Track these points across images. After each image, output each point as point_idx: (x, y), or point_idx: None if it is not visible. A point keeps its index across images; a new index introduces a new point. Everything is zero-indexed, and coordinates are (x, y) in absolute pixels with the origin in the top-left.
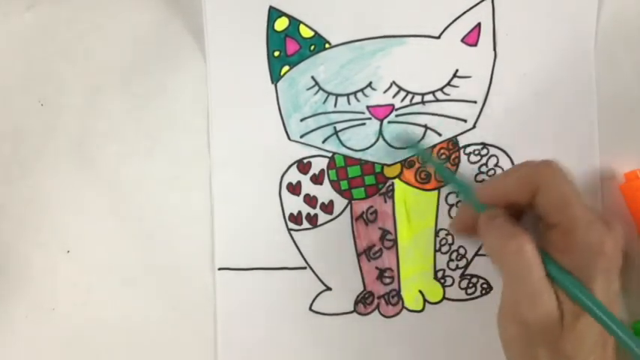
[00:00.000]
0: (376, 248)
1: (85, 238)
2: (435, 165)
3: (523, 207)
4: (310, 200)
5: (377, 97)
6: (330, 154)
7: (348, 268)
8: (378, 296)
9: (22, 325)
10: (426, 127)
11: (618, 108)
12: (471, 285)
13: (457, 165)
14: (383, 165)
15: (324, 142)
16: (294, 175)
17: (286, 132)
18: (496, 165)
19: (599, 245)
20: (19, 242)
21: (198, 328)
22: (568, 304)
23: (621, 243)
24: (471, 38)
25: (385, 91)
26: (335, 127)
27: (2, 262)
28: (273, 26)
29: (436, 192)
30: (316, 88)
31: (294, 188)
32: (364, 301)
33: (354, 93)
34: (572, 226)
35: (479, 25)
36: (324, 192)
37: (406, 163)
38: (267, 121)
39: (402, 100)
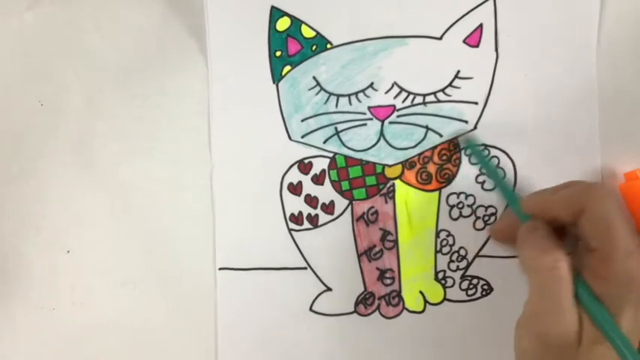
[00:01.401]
0: (377, 249)
1: (85, 238)
2: (488, 170)
3: (566, 225)
4: (311, 200)
5: (378, 98)
6: (331, 155)
7: (348, 268)
8: (379, 297)
9: (22, 325)
10: (427, 127)
11: (618, 108)
12: (471, 286)
13: (458, 166)
14: (384, 166)
15: (325, 142)
16: (295, 176)
17: (287, 132)
18: (497, 166)
19: (635, 276)
20: (19, 242)
21: (198, 328)
22: (589, 329)
23: None
24: (473, 39)
25: (387, 92)
26: (336, 128)
27: (2, 262)
28: (274, 26)
29: (437, 193)
30: (318, 88)
31: (295, 188)
32: (365, 302)
33: (356, 93)
34: (611, 253)
35: (481, 26)
36: (325, 192)
37: (407, 164)
38: (268, 121)
39: (404, 100)
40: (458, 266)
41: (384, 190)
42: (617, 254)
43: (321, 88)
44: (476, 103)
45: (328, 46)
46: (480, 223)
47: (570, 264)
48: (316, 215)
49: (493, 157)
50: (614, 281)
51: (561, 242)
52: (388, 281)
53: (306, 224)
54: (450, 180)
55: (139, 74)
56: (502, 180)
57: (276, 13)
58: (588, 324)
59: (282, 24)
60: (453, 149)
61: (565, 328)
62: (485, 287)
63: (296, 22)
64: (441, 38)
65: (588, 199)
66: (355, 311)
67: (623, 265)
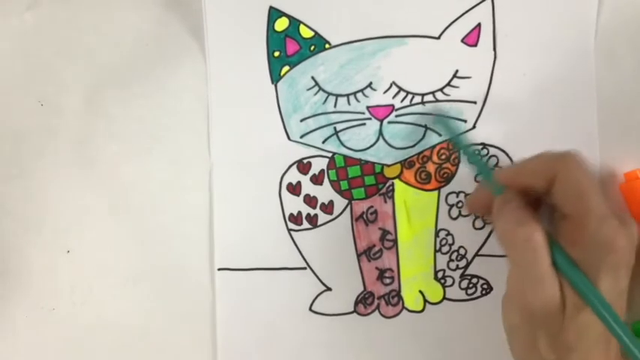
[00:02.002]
0: (376, 248)
1: (85, 238)
2: (458, 143)
3: (540, 195)
4: (310, 200)
5: (377, 98)
6: (330, 155)
7: (348, 268)
8: (378, 296)
9: (22, 325)
10: (426, 127)
11: (618, 108)
12: (471, 285)
13: (457, 165)
14: (383, 165)
15: (324, 142)
16: (294, 176)
17: (286, 132)
18: (496, 165)
19: (610, 241)
20: (19, 242)
21: (197, 328)
22: (571, 296)
23: (635, 242)
24: (471, 38)
25: (385, 92)
26: (335, 128)
27: (2, 262)
28: (273, 26)
29: (436, 192)
30: (316, 88)
31: (294, 188)
32: (364, 302)
33: (354, 93)
34: (585, 218)
35: (479, 25)
36: (324, 192)
37: (406, 164)
38: (267, 121)
39: (402, 100)
40: (457, 265)
41: (383, 190)
42: (591, 219)
43: (320, 88)
44: (474, 103)
45: (327, 46)
46: (479, 223)
47: (545, 233)
48: (315, 215)
49: (491, 156)
50: (590, 246)
51: (536, 213)
52: (388, 281)
53: (306, 224)
54: (449, 179)
55: (139, 74)
56: (474, 152)
57: (274, 14)
58: (570, 291)
59: (281, 24)
60: (452, 148)
61: (547, 297)
62: (485, 286)
63: (294, 23)
64: (439, 38)
65: (560, 166)
66: (355, 311)
67: (597, 230)
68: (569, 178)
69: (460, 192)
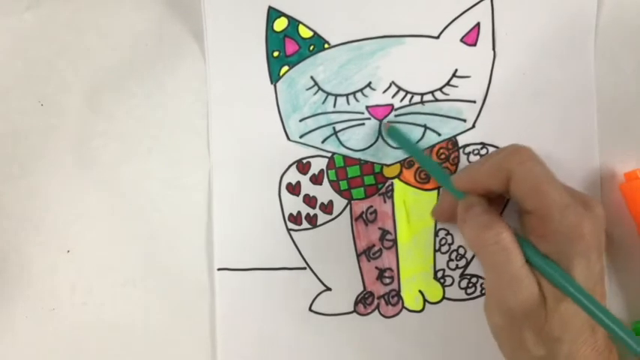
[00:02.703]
0: (376, 248)
1: (85, 238)
2: (414, 153)
3: (501, 194)
4: (310, 200)
5: (376, 97)
6: (329, 155)
7: (347, 268)
8: (378, 296)
9: (22, 325)
10: (425, 126)
11: (618, 108)
12: (470, 285)
13: (456, 165)
14: (382, 165)
15: (323, 142)
16: (293, 176)
17: (285, 132)
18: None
19: (576, 228)
20: (19, 242)
21: (197, 328)
22: (549, 289)
23: (601, 223)
24: (470, 38)
25: (384, 91)
26: (334, 128)
27: (2, 262)
28: (272, 26)
29: (435, 192)
30: (315, 88)
31: (294, 188)
32: (364, 302)
33: (354, 93)
34: (547, 211)
35: (478, 24)
36: (324, 192)
37: (405, 163)
38: (266, 121)
39: (402, 100)
40: (457, 265)
41: (383, 190)
42: (554, 210)
43: (319, 88)
44: (474, 102)
45: (326, 46)
46: None
47: (512, 233)
48: (315, 215)
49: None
50: (558, 237)
51: (499, 214)
52: (387, 280)
53: (305, 224)
54: None
55: (139, 74)
56: (430, 161)
57: (273, 14)
58: (547, 285)
59: (280, 24)
60: (451, 148)
61: (526, 296)
62: (485, 286)
63: (293, 23)
64: (438, 37)
65: (511, 164)
66: (355, 311)
67: (562, 220)
68: (523, 174)
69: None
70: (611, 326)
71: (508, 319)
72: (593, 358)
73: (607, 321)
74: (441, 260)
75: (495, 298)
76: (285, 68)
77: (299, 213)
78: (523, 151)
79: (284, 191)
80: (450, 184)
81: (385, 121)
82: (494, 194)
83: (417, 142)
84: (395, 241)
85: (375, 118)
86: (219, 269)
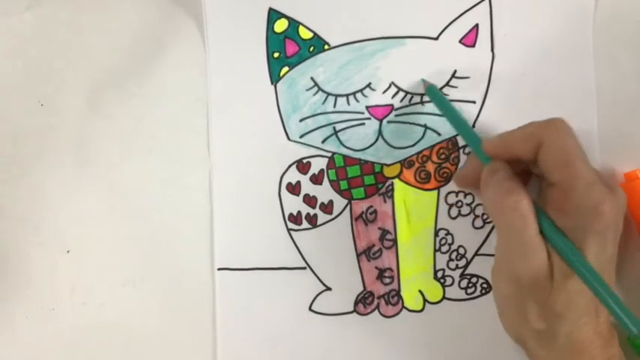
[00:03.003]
0: (376, 248)
1: (85, 238)
2: (450, 114)
3: (527, 164)
4: (310, 200)
5: (376, 97)
6: (329, 154)
7: (347, 268)
8: (378, 296)
9: (22, 325)
10: (425, 126)
11: (618, 108)
12: (470, 285)
13: (456, 165)
14: (382, 165)
15: (323, 142)
16: (293, 175)
17: (286, 132)
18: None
19: (596, 207)
20: (19, 242)
21: (197, 328)
22: (559, 263)
23: (622, 209)
24: (469, 39)
25: (384, 92)
26: (334, 127)
27: (2, 262)
28: (272, 28)
29: (436, 192)
30: (315, 88)
31: (294, 188)
32: (364, 301)
33: (354, 93)
34: (572, 184)
35: (476, 26)
36: (324, 192)
37: (406, 163)
38: (266, 121)
39: (402, 100)
40: (457, 265)
41: (383, 190)
42: (578, 185)
43: (319, 89)
44: (474, 102)
45: (326, 47)
46: (479, 222)
47: (532, 202)
48: (315, 215)
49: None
50: (577, 213)
51: (523, 183)
52: (387, 280)
53: (305, 224)
54: (448, 179)
55: (139, 74)
56: (464, 123)
57: (273, 15)
58: (558, 259)
59: (280, 25)
60: (451, 148)
61: (534, 265)
62: (485, 285)
63: (293, 24)
64: (437, 39)
65: (546, 133)
66: (355, 310)
67: (584, 196)
68: (554, 144)
69: (460, 191)
70: (616, 310)
71: (514, 287)
72: (593, 340)
73: (612, 304)
74: (441, 260)
75: (504, 265)
76: (286, 69)
77: (299, 213)
78: (559, 122)
79: (284, 191)
80: (480, 148)
81: (385, 121)
82: (521, 163)
83: (417, 142)
84: (395, 241)
85: (375, 118)
86: (219, 269)
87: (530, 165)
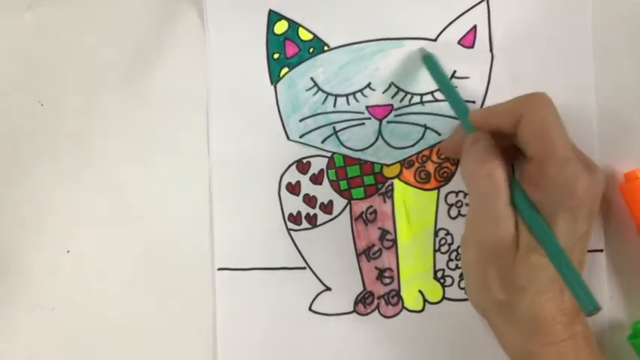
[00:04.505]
0: (376, 248)
1: (85, 238)
2: (442, 83)
3: (510, 137)
4: (310, 200)
5: (376, 98)
6: (329, 154)
7: (347, 268)
8: (378, 296)
9: (22, 325)
10: (425, 126)
11: (618, 108)
12: None
13: (456, 164)
14: (382, 165)
15: (323, 142)
16: (293, 175)
17: (285, 132)
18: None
19: (570, 184)
20: (19, 242)
21: (198, 328)
22: (526, 236)
23: (598, 189)
24: (467, 40)
25: (384, 92)
26: (334, 127)
27: (2, 262)
28: (272, 29)
29: (435, 192)
30: (315, 88)
31: (294, 188)
32: (364, 301)
33: (353, 93)
34: (548, 159)
35: (475, 27)
36: (324, 192)
37: (405, 163)
38: (266, 121)
39: (401, 100)
40: (457, 265)
41: (383, 190)
42: (554, 160)
43: (319, 89)
44: (473, 102)
45: (325, 48)
46: None
47: (507, 173)
48: (315, 215)
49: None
50: (550, 188)
51: (508, 157)
52: (387, 280)
53: (305, 224)
54: (448, 179)
55: (139, 75)
56: (455, 93)
57: (274, 17)
58: (525, 232)
59: (280, 27)
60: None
61: (500, 234)
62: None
63: (293, 26)
64: (435, 40)
65: (526, 107)
66: (354, 311)
67: (558, 172)
68: (533, 118)
69: (460, 191)
70: (575, 287)
71: (479, 255)
72: (556, 316)
73: (569, 276)
74: (441, 260)
75: (473, 231)
76: (286, 70)
77: (299, 213)
78: (539, 96)
79: (284, 191)
80: (466, 118)
81: (385, 121)
82: (509, 138)
83: (417, 142)
84: (395, 241)
85: (375, 117)
86: (219, 269)
87: (514, 139)
